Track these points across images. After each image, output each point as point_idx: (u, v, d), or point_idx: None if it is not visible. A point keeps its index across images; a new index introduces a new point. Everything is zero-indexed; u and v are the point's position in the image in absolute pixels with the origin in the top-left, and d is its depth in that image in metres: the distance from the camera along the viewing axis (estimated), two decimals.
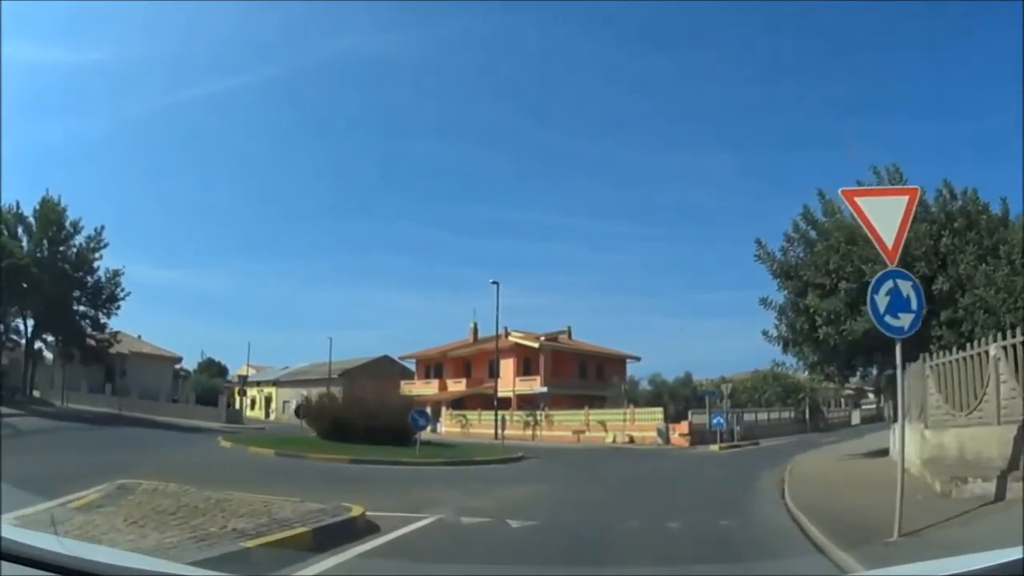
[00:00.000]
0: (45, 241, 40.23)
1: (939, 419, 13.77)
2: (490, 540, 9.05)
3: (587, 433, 42.00)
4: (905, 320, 8.65)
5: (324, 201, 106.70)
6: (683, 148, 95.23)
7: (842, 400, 62.61)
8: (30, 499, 8.41)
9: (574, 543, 8.91)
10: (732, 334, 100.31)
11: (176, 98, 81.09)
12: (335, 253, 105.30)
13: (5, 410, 30.57)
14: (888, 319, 8.59)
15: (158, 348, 58.06)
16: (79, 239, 41.47)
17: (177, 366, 62.73)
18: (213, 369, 73.71)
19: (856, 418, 57.11)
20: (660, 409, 40.79)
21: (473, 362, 57.60)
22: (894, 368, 19.40)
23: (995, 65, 68.05)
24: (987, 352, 11.73)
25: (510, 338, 53.90)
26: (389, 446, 23.36)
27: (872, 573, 4.79)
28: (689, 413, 39.58)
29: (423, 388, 58.26)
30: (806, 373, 20.09)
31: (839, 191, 9.06)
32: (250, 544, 6.72)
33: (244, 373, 70.10)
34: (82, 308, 42.99)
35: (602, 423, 42.14)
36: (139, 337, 56.86)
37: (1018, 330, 10.82)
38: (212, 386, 59.05)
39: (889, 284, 8.81)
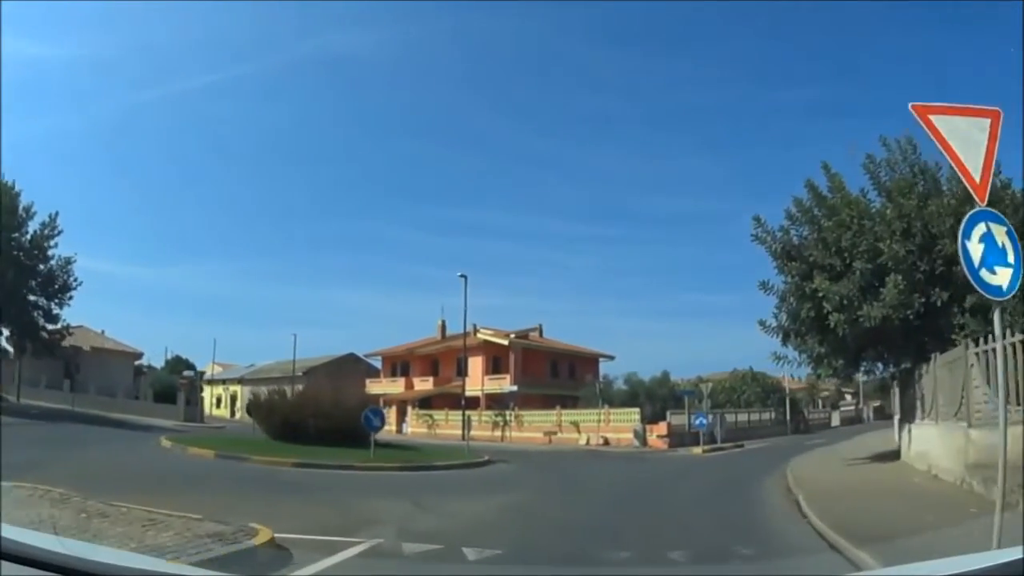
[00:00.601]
0: None
1: (988, 415, 11.48)
2: None
3: (559, 434, 39.64)
4: (1003, 277, 6.27)
5: (297, 200, 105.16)
6: (659, 150, 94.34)
7: (819, 402, 61.08)
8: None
9: None
10: (708, 335, 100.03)
11: (146, 96, 79.88)
12: (305, 251, 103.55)
13: None
14: (984, 275, 6.17)
15: (120, 343, 55.74)
16: (33, 225, 38.87)
17: (138, 362, 60.53)
18: (180, 366, 69.96)
19: (836, 420, 55.59)
20: (637, 410, 38.47)
21: (441, 360, 55.44)
22: (912, 360, 17.36)
23: (988, 68, 67.25)
24: None
25: (479, 335, 51.63)
26: (342, 448, 21.42)
27: (872, 573, 4.80)
28: (667, 414, 37.32)
29: (389, 387, 56.04)
30: (807, 368, 17.72)
31: (909, 106, 6.62)
32: None
33: (202, 370, 66.90)
34: (34, 298, 40.38)
35: (575, 424, 39.78)
36: (103, 332, 54.90)
37: None
38: (171, 383, 55.51)
39: (982, 228, 6.42)
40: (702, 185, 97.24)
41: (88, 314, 45.56)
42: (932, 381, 14.88)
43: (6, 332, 41.72)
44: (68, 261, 40.50)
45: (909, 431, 16.86)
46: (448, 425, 44.24)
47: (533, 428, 41.44)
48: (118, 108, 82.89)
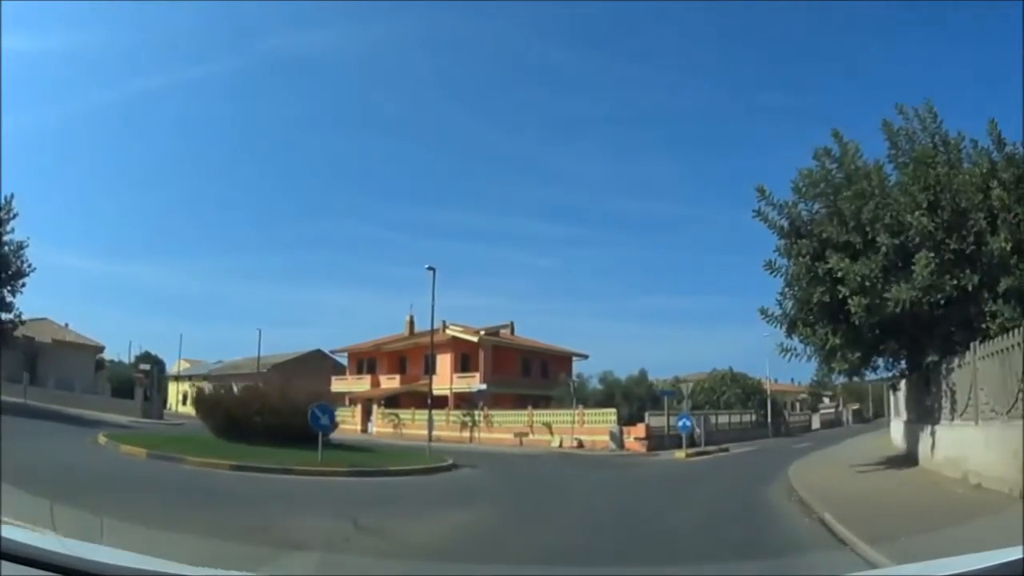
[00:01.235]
0: None
1: None
2: None
3: (530, 436, 37.23)
4: None
5: (268, 198, 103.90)
6: (628, 152, 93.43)
7: (797, 404, 59.62)
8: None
9: None
10: (684, 337, 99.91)
11: (117, 92, 78.90)
12: (275, 249, 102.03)
13: None
14: None
15: (81, 337, 53.37)
16: None
17: (100, 356, 58.26)
18: (148, 362, 69.82)
19: (816, 423, 54.02)
20: (613, 410, 36.17)
21: (408, 357, 53.11)
22: (939, 352, 15.26)
23: (976, 75, 66.77)
24: None
25: (448, 332, 49.40)
26: (290, 449, 19.33)
27: (872, 573, 4.85)
28: (646, 415, 35.10)
29: (354, 384, 54.25)
30: (816, 363, 15.50)
31: None
32: None
33: (169, 366, 67.59)
34: None
35: (547, 425, 37.38)
36: (66, 325, 52.65)
37: None
38: (130, 377, 55.37)
39: None
40: (671, 188, 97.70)
41: (55, 309, 44.59)
42: (969, 375, 12.79)
43: None
44: (20, 246, 37.32)
45: (932, 433, 14.75)
46: (415, 425, 41.77)
47: (503, 429, 39.02)
48: (89, 104, 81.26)
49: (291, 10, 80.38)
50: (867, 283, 13.28)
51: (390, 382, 52.34)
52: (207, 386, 29.04)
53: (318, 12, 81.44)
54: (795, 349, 15.21)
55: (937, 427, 14.48)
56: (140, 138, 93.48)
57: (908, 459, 17.36)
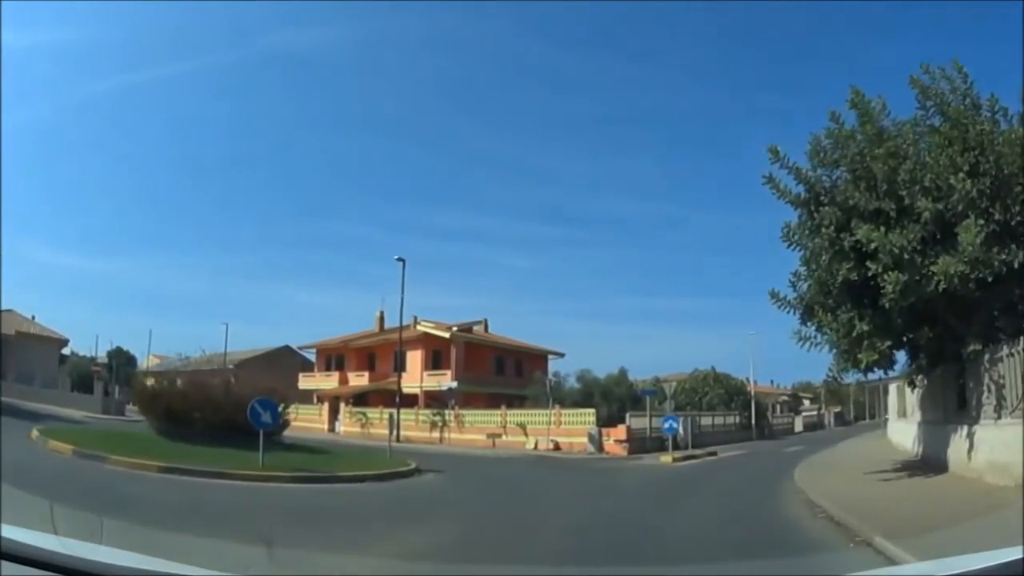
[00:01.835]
0: None
1: None
2: None
3: (504, 437, 34.88)
4: None
5: (241, 194, 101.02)
6: (608, 153, 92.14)
7: (777, 406, 58.01)
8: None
9: None
10: (663, 337, 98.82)
11: (92, 88, 76.67)
12: (249, 246, 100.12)
13: None
14: None
15: (46, 329, 51.44)
16: None
17: (64, 350, 56.85)
18: (121, 358, 68.16)
19: (799, 425, 52.41)
20: (591, 411, 33.98)
21: (377, 353, 50.82)
22: (982, 339, 13.17)
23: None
24: None
25: (419, 327, 47.20)
26: (233, 449, 17.16)
27: (872, 573, 4.66)
28: (627, 416, 32.95)
29: (322, 381, 52.11)
30: (835, 352, 13.32)
31: None
32: None
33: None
34: None
35: (522, 426, 35.07)
36: (33, 318, 50.95)
37: None
38: (90, 371, 54.83)
39: None
40: (650, 188, 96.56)
41: (28, 303, 43.69)
42: (1020, 366, 10.79)
43: None
44: None
45: (969, 435, 12.72)
46: (383, 424, 38.54)
47: (475, 429, 36.63)
48: (63, 99, 79.50)
49: (274, 10, 79.21)
50: (906, 256, 11.16)
51: (359, 379, 50.20)
52: (148, 380, 26.31)
53: (298, 11, 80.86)
54: (813, 337, 13.04)
55: (976, 427, 12.44)
56: (113, 135, 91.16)
57: (931, 464, 15.35)
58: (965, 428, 13.09)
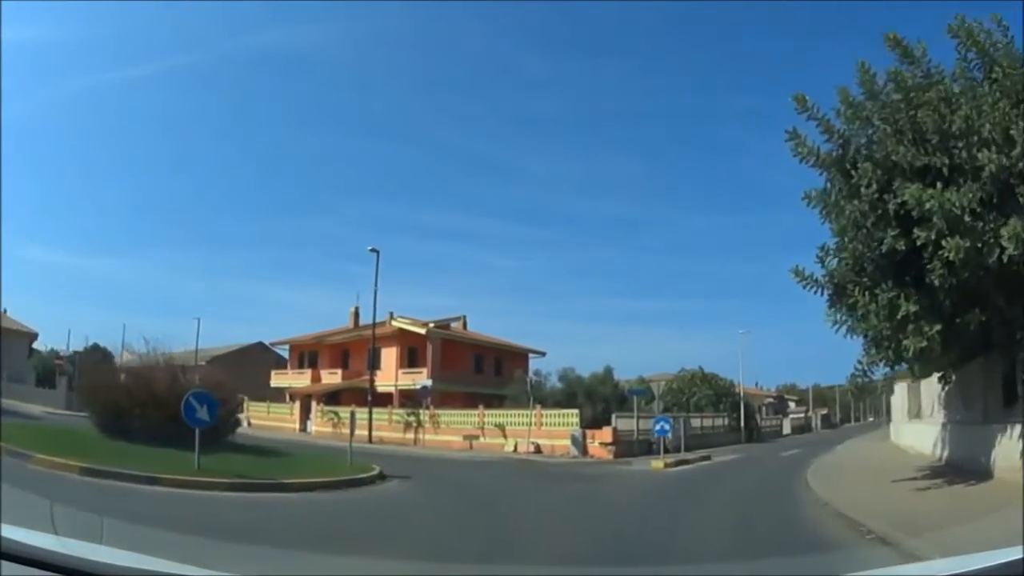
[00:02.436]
0: None
1: None
2: None
3: (481, 439, 32.71)
4: None
5: (218, 192, 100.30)
6: (591, 154, 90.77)
7: (765, 408, 56.45)
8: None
9: None
10: (647, 338, 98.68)
11: (70, 86, 75.59)
12: (227, 243, 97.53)
13: None
14: None
15: (15, 323, 50.33)
16: None
17: (34, 344, 55.71)
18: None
19: (787, 427, 50.82)
20: (575, 411, 31.93)
21: (352, 351, 48.74)
22: None
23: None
24: None
25: (394, 323, 44.98)
26: (172, 449, 15.52)
27: (873, 573, 4.56)
28: (613, 417, 30.93)
29: (295, 379, 50.73)
30: (864, 341, 11.37)
31: None
32: None
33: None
34: None
35: (500, 427, 32.92)
36: (5, 312, 49.72)
37: None
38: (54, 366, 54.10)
39: None
40: (632, 190, 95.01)
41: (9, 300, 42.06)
42: None
43: None
44: None
45: (1022, 435, 10.80)
46: (356, 424, 36.81)
47: (451, 430, 34.44)
48: (39, 96, 76.52)
49: (255, 9, 77.94)
50: (966, 219, 9.19)
51: (331, 377, 48.43)
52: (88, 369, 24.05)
53: (278, 10, 78.97)
54: (848, 322, 11.02)
55: None
56: (88, 132, 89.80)
57: (964, 469, 13.44)
58: (1015, 429, 11.18)
